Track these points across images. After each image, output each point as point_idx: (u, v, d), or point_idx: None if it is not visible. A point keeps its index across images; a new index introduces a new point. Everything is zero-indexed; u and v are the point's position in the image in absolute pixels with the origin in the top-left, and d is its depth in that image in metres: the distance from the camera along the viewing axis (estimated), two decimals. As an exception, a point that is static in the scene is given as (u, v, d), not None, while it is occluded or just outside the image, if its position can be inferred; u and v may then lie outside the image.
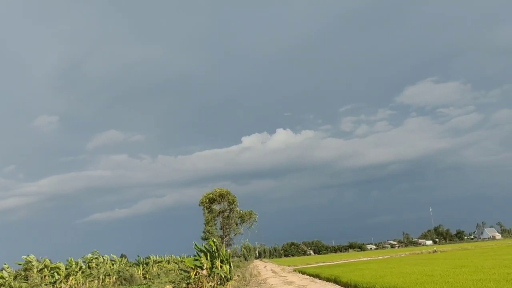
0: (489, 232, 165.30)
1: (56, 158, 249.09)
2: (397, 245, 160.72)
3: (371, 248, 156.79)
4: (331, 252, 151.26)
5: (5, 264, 33.75)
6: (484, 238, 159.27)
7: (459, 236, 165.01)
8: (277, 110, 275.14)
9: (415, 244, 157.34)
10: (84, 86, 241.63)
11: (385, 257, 61.91)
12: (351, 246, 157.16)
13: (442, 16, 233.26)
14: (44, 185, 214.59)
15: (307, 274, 34.52)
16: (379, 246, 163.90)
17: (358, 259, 59.94)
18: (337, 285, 23.11)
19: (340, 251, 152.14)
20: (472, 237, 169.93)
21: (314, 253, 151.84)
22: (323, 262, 58.46)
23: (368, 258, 60.06)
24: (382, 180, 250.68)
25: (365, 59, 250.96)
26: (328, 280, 26.29)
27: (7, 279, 30.94)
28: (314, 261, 64.78)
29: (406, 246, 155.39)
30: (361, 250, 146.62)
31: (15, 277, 31.53)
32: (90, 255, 43.44)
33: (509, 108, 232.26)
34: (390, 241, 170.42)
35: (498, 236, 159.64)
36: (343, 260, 61.01)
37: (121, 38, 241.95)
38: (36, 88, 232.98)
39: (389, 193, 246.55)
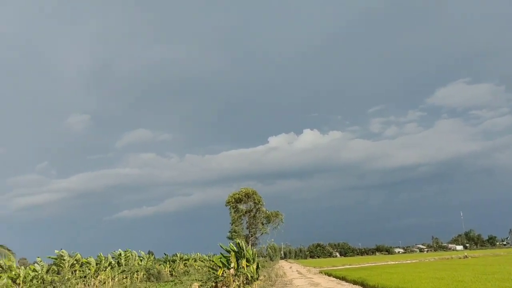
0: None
1: (86, 156, 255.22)
2: (426, 250, 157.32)
3: (398, 252, 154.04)
4: (358, 254, 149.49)
5: (38, 257, 34.88)
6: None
7: (491, 242, 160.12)
8: (304, 110, 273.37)
9: (445, 249, 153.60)
10: (113, 85, 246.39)
11: (414, 261, 60.74)
12: (378, 249, 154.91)
13: (476, 15, 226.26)
14: (75, 182, 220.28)
15: (333, 276, 34.26)
16: (407, 250, 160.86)
17: (385, 263, 59.01)
18: (364, 289, 22.87)
19: (367, 254, 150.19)
20: (504, 243, 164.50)
21: (340, 255, 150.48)
22: (350, 265, 57.84)
23: (396, 262, 59.03)
24: (411, 183, 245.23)
25: (395, 59, 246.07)
26: (355, 282, 26.02)
27: (39, 272, 31.95)
28: (340, 263, 64.19)
29: (435, 250, 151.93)
30: (389, 254, 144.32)
31: (47, 271, 32.51)
32: (121, 251, 44.34)
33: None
34: (418, 245, 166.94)
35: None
36: (370, 263, 60.21)
37: (148, 37, 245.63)
38: (68, 87, 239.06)
39: (418, 196, 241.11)
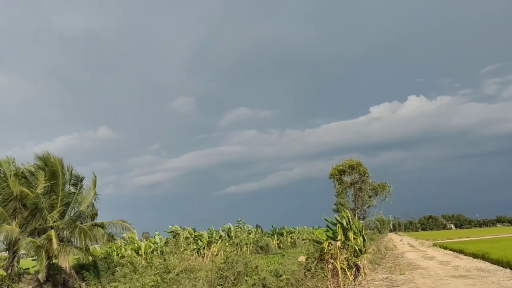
0: None
1: (193, 136, 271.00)
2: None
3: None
4: (475, 226, 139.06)
5: (156, 231, 37.86)
6: None
7: None
8: (408, 76, 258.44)
9: None
10: (213, 68, 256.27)
11: (543, 233, 54.71)
12: (499, 221, 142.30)
13: None
14: (184, 161, 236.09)
15: (449, 249, 32.16)
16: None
17: (509, 235, 53.94)
18: (486, 262, 20.99)
19: (486, 225, 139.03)
20: None
21: (456, 227, 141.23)
22: (467, 237, 53.92)
23: (522, 234, 53.68)
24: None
25: (508, 7, 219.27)
26: (474, 256, 24.05)
27: (159, 244, 34.69)
28: (456, 236, 60.21)
29: None
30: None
31: (165, 243, 35.23)
32: (231, 225, 46.31)
33: None
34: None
35: None
36: (490, 235, 55.54)
37: (244, 18, 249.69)
38: (172, 71, 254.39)
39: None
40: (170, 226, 40.02)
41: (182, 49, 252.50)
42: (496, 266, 19.07)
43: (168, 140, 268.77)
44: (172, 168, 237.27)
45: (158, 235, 37.26)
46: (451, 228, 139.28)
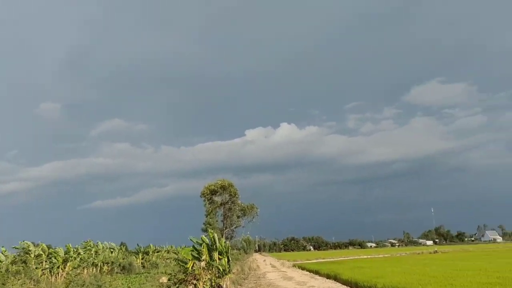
0: (490, 234, 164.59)
1: (58, 144, 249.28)
2: (397, 244, 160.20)
3: (371, 246, 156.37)
4: (331, 248, 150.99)
5: (2, 247, 33.58)
6: (485, 241, 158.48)
7: (460, 238, 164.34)
8: (282, 104, 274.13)
9: (416, 244, 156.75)
10: (90, 75, 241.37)
11: (386, 255, 61.53)
12: (351, 244, 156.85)
13: (452, 17, 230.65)
14: (46, 171, 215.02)
15: (307, 270, 34.17)
16: (379, 244, 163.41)
17: (358, 257, 59.54)
18: (337, 282, 22.73)
19: (340, 248, 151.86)
20: (472, 239, 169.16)
21: (314, 248, 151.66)
22: (323, 258, 58.12)
23: (369, 256, 59.65)
24: (384, 179, 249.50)
25: (373, 57, 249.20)
26: (328, 276, 25.91)
27: (4, 262, 30.72)
28: (314, 257, 64.48)
29: (406, 245, 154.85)
30: (361, 248, 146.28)
31: (12, 262, 31.31)
32: (91, 242, 43.23)
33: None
34: (390, 240, 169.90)
35: (499, 239, 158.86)
36: (343, 257, 60.66)
37: (131, 27, 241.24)
38: (42, 74, 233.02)
39: (391, 192, 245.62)
40: (20, 242, 35.93)
41: (57, 51, 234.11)
42: (345, 286, 20.77)
43: (28, 147, 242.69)
44: (31, 178, 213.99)
45: (5, 251, 33.09)
46: (310, 249, 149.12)
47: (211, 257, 19.56)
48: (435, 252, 69.22)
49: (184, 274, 16.49)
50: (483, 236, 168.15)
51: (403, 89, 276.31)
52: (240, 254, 70.04)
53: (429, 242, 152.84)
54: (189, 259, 18.80)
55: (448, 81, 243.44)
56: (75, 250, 38.97)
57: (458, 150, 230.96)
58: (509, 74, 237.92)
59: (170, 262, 43.07)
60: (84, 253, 39.44)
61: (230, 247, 23.73)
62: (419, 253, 66.79)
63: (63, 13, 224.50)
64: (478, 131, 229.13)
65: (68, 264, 35.42)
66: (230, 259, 20.57)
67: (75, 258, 37.71)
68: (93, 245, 43.78)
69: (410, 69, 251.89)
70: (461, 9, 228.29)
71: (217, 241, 20.00)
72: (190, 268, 17.15)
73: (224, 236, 52.34)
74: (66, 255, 36.99)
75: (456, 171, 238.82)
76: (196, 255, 19.22)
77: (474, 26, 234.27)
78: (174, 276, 17.05)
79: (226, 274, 19.49)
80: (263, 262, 54.61)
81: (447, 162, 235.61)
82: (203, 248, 19.43)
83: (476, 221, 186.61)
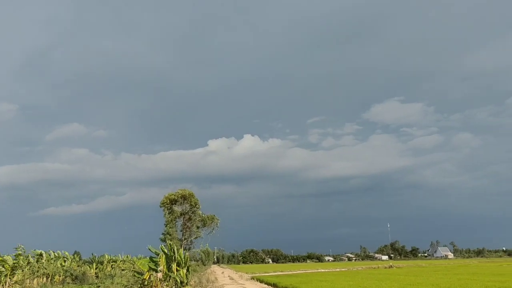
0: (442, 251, 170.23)
1: (13, 147, 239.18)
2: (354, 258, 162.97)
3: (328, 260, 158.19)
4: (290, 261, 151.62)
5: None
6: (438, 257, 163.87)
7: (414, 253, 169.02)
8: (247, 115, 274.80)
9: (372, 258, 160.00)
10: (50, 77, 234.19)
11: (343, 269, 62.33)
12: (309, 257, 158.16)
13: (413, 39, 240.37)
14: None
15: (265, 283, 34.07)
16: (337, 258, 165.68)
17: (316, 270, 60.04)
18: (295, 296, 22.78)
19: (299, 261, 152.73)
20: (426, 254, 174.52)
21: (273, 261, 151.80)
22: (282, 271, 58.20)
23: (326, 270, 60.28)
24: (343, 193, 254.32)
25: (336, 75, 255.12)
26: (286, 290, 25.93)
27: None
28: (272, 270, 64.47)
29: (362, 259, 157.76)
30: (319, 261, 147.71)
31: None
32: (42, 251, 41.39)
33: (469, 132, 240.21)
34: (347, 254, 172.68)
35: (451, 255, 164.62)
36: (301, 270, 60.98)
37: (96, 30, 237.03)
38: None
39: (349, 207, 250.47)
40: (-38, 249, 33.96)
41: (16, 51, 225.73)
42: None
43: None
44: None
45: None
46: (269, 262, 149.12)
47: (169, 268, 19.19)
48: (390, 267, 70.83)
49: (141, 286, 16.06)
50: (435, 252, 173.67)
51: (364, 107, 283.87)
52: (198, 265, 69.08)
53: (385, 257, 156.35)
54: (145, 270, 18.37)
55: (407, 101, 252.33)
56: (25, 258, 37.25)
57: (414, 168, 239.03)
58: (464, 97, 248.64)
59: (126, 272, 41.89)
60: (34, 262, 37.76)
61: (188, 258, 23.36)
62: (375, 267, 68.13)
63: (24, 13, 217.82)
64: (434, 150, 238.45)
65: (16, 273, 33.78)
66: (189, 270, 20.27)
67: (24, 267, 36.02)
68: (51, 252, 42.10)
69: (371, 88, 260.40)
70: (421, 33, 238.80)
71: (176, 252, 19.66)
72: (147, 280, 16.73)
73: (182, 247, 51.53)
74: (15, 263, 35.29)
75: (412, 188, 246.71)
76: (154, 266, 18.80)
77: (432, 50, 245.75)
78: (131, 287, 16.58)
79: (183, 286, 19.15)
80: (222, 274, 54.06)
81: (403, 179, 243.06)
82: (160, 258, 19.04)
83: (430, 237, 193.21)
